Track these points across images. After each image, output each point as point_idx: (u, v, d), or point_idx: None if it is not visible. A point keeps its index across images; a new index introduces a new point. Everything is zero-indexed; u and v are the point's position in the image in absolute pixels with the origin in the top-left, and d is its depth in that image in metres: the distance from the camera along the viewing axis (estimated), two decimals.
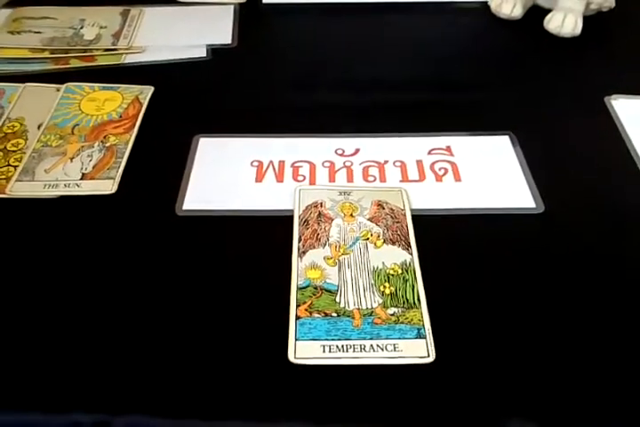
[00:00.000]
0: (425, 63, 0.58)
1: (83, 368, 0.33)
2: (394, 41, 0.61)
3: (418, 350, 0.34)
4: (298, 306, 0.36)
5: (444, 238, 0.40)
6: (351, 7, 0.65)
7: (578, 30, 0.60)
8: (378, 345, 0.34)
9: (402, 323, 0.35)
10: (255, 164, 0.46)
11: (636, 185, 0.45)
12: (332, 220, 0.41)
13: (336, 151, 0.47)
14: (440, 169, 0.46)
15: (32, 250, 0.40)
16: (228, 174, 0.45)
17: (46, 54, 0.57)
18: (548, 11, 0.62)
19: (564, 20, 0.60)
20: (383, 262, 0.38)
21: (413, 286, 0.37)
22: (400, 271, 0.38)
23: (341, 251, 0.39)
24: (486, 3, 0.65)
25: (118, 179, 0.44)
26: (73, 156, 0.46)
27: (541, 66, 0.58)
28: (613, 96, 0.53)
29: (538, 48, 0.60)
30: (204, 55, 0.58)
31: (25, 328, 0.35)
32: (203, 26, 0.62)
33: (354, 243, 0.40)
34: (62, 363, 0.34)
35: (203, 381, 0.33)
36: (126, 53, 0.58)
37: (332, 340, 0.34)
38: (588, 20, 0.61)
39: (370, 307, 0.36)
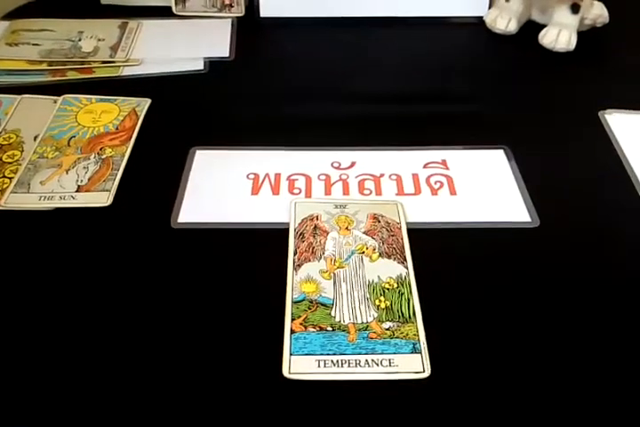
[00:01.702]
0: (421, 77, 0.58)
1: (74, 382, 0.33)
2: (390, 55, 0.62)
3: (413, 365, 0.33)
4: (293, 320, 0.36)
5: (440, 252, 0.40)
6: (348, 21, 0.65)
7: (572, 45, 0.60)
8: (373, 360, 0.34)
9: (397, 338, 0.35)
10: (251, 176, 0.46)
11: (630, 198, 0.45)
12: (328, 233, 0.41)
13: (332, 164, 0.47)
14: (435, 183, 0.46)
15: (27, 262, 0.40)
16: (224, 187, 0.45)
17: (44, 66, 0.57)
18: (543, 26, 0.62)
19: (559, 35, 0.60)
20: (379, 276, 0.38)
21: (409, 300, 0.37)
22: (395, 285, 0.38)
23: (337, 264, 0.39)
24: (481, 18, 0.65)
25: (114, 191, 0.44)
26: (69, 168, 0.46)
27: (536, 80, 0.58)
28: (607, 110, 0.53)
29: (532, 63, 0.61)
30: (202, 68, 0.58)
31: (20, 340, 0.35)
32: (200, 39, 0.62)
33: (349, 256, 0.40)
34: (52, 377, 0.33)
35: (196, 396, 0.32)
36: (124, 66, 0.58)
37: (327, 355, 0.34)
38: (582, 35, 0.61)
39: (365, 321, 0.36)
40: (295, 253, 0.40)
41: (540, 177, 0.46)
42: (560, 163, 0.48)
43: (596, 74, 0.59)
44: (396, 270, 0.39)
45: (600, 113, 0.53)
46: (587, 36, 0.62)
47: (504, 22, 0.63)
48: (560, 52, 0.61)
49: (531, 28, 0.63)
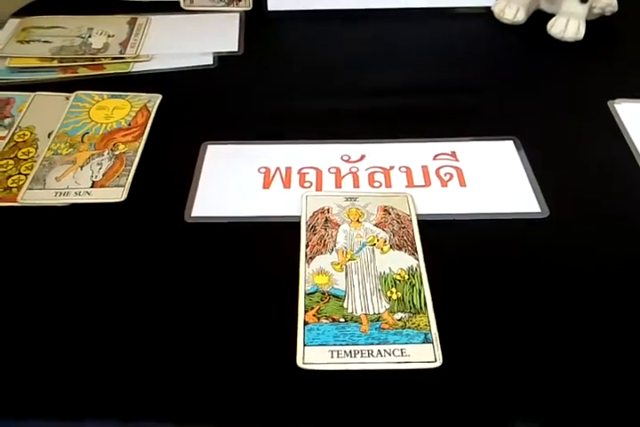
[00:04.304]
0: (429, 69, 0.58)
1: (91, 375, 0.34)
2: (398, 47, 0.62)
3: (425, 355, 0.34)
4: (306, 312, 0.36)
5: (450, 243, 0.41)
6: (356, 14, 0.65)
7: (581, 35, 0.60)
8: (385, 350, 0.34)
9: (409, 328, 0.35)
10: (262, 170, 0.47)
11: (639, 188, 0.45)
12: (339, 225, 0.42)
13: (342, 157, 0.48)
14: (445, 174, 0.46)
15: (44, 258, 0.41)
16: (236, 181, 0.46)
17: (55, 63, 0.58)
18: (551, 15, 0.62)
19: (567, 25, 0.60)
20: (390, 268, 0.39)
21: (420, 291, 0.37)
22: (407, 277, 0.38)
23: (348, 256, 0.40)
24: (489, 8, 0.65)
25: (128, 186, 0.45)
26: (83, 164, 0.47)
27: (545, 70, 0.58)
28: (617, 100, 0.53)
29: (541, 53, 0.60)
30: (211, 63, 0.59)
31: (35, 335, 0.36)
32: (209, 33, 0.63)
33: (360, 248, 0.40)
34: (70, 370, 0.34)
35: (211, 387, 0.33)
36: (134, 62, 0.58)
37: (340, 345, 0.34)
38: (590, 24, 0.61)
39: (377, 312, 0.36)
40: (307, 246, 0.40)
41: (550, 167, 0.47)
42: (569, 153, 0.48)
43: (605, 63, 0.59)
44: (407, 262, 0.39)
45: (609, 102, 0.53)
46: (595, 25, 0.62)
47: (512, 12, 0.63)
48: (569, 42, 0.61)
49: (539, 18, 0.63)
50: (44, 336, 0.36)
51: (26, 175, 0.46)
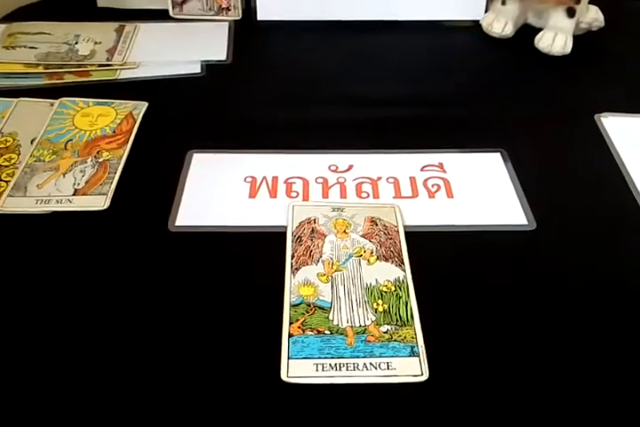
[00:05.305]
0: (418, 81, 0.59)
1: (72, 386, 0.33)
2: (387, 58, 0.62)
3: (411, 369, 0.33)
4: (291, 324, 0.36)
5: (437, 255, 0.41)
6: (345, 25, 0.65)
7: (568, 49, 0.61)
8: (371, 363, 0.34)
9: (395, 341, 0.35)
10: (248, 180, 0.46)
11: (626, 201, 0.45)
12: (326, 236, 0.41)
13: (329, 167, 0.47)
14: (433, 186, 0.46)
15: (23, 266, 0.40)
16: (222, 190, 0.45)
17: (41, 69, 0.57)
18: (539, 29, 0.63)
19: (555, 39, 0.61)
20: (376, 279, 0.38)
21: (406, 303, 0.37)
22: (393, 288, 0.38)
23: (334, 267, 0.39)
24: (478, 21, 0.66)
25: (111, 195, 0.44)
26: (65, 171, 0.46)
27: (532, 84, 0.59)
28: (603, 114, 0.53)
29: (529, 66, 0.61)
30: (199, 71, 0.58)
31: (16, 345, 0.35)
32: (197, 42, 0.62)
33: (347, 259, 0.40)
34: (52, 379, 0.33)
35: (194, 400, 0.32)
36: (121, 69, 0.58)
37: (325, 358, 0.34)
38: (578, 38, 0.62)
39: (363, 324, 0.36)
40: (293, 257, 0.40)
41: (537, 180, 0.47)
42: (556, 166, 0.48)
43: (592, 77, 0.59)
44: (393, 273, 0.39)
45: (596, 116, 0.53)
46: (582, 39, 0.62)
47: (500, 26, 0.63)
48: (556, 56, 0.61)
49: (527, 32, 0.64)
50: (23, 345, 0.35)
51: (7, 182, 0.45)
